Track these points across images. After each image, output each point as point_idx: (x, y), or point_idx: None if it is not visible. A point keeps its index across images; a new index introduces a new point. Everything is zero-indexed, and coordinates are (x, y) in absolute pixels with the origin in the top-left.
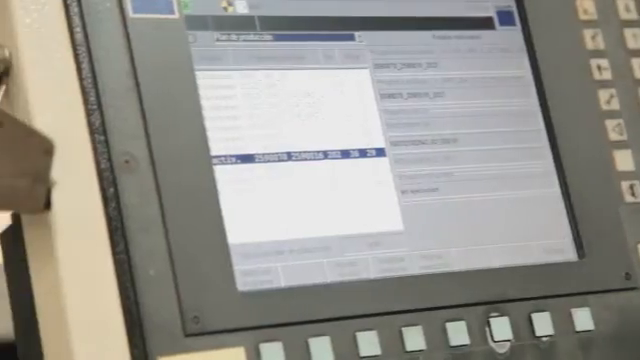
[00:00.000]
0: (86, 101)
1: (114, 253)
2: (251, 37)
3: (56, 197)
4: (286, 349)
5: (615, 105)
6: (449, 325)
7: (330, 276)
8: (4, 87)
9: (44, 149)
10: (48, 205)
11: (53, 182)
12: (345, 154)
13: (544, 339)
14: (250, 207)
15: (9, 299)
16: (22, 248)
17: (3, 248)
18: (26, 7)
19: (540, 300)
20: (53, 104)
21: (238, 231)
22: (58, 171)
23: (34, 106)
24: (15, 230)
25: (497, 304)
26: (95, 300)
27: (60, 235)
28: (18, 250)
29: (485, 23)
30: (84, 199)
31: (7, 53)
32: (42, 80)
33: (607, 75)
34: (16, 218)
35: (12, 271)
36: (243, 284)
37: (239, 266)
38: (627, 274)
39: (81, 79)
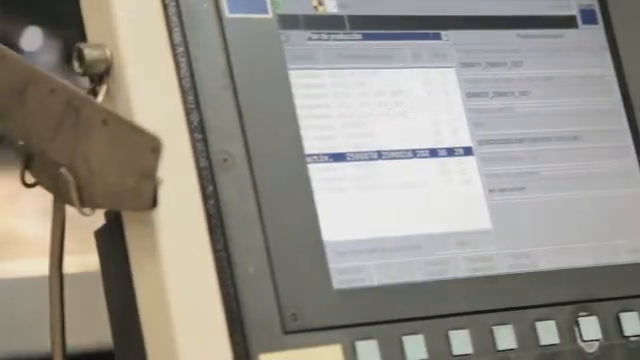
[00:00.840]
0: (185, 100)
1: (214, 250)
2: (341, 36)
3: (159, 194)
4: (381, 347)
5: None
6: (539, 324)
7: (420, 275)
8: (105, 86)
9: (151, 147)
10: (154, 203)
11: (160, 180)
12: (433, 153)
13: (633, 339)
14: (342, 205)
15: (105, 296)
16: (122, 245)
17: (99, 245)
18: (127, 7)
19: (628, 300)
20: (153, 103)
21: (332, 229)
22: (159, 169)
23: (135, 105)
24: (112, 228)
25: (585, 303)
26: (197, 297)
27: (163, 232)
28: (117, 247)
29: (568, 22)
30: (185, 196)
31: (108, 53)
32: (142, 80)
33: None
34: (112, 216)
35: (110, 268)
36: (338, 282)
37: (334, 264)
38: None
39: (180, 78)
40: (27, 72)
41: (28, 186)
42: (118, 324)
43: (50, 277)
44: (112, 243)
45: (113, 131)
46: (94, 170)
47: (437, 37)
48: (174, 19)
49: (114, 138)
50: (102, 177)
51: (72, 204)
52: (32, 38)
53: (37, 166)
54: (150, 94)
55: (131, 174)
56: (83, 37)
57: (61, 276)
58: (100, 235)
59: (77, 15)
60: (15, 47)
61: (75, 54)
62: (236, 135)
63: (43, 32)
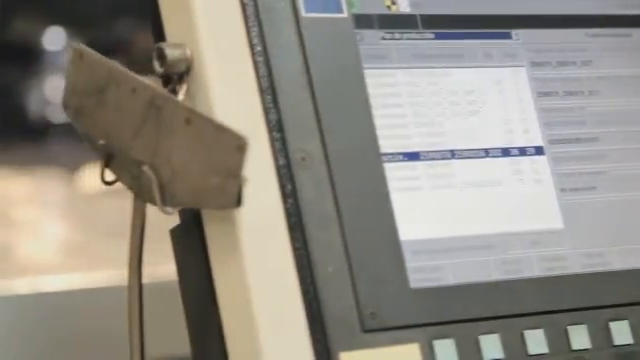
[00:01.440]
0: (263, 99)
1: (294, 249)
2: (413, 35)
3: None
4: (458, 346)
5: None
6: (612, 324)
7: (495, 274)
8: (185, 86)
9: (236, 146)
10: (239, 202)
11: (244, 179)
12: (505, 152)
13: None
14: (417, 204)
15: (182, 294)
16: (200, 244)
17: (175, 244)
18: (206, 7)
19: None
20: (232, 102)
21: (408, 228)
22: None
23: (215, 104)
24: (190, 226)
25: None
26: (278, 295)
27: (244, 230)
28: (195, 246)
29: (636, 21)
30: (264, 195)
31: (188, 52)
32: (222, 79)
33: None
34: (189, 215)
35: (188, 266)
36: (415, 281)
37: (410, 263)
38: None
39: (258, 77)
40: (107, 71)
41: (107, 184)
42: (196, 323)
43: (129, 278)
44: (190, 242)
45: (197, 130)
46: (176, 169)
47: (508, 36)
48: (252, 18)
49: (198, 137)
50: (185, 176)
51: (153, 203)
52: (54, 38)
53: (117, 165)
54: (229, 93)
55: (215, 173)
56: (105, 37)
57: (140, 278)
58: (176, 234)
59: (99, 15)
60: (37, 47)
61: (156, 54)
62: (313, 134)
63: (66, 32)
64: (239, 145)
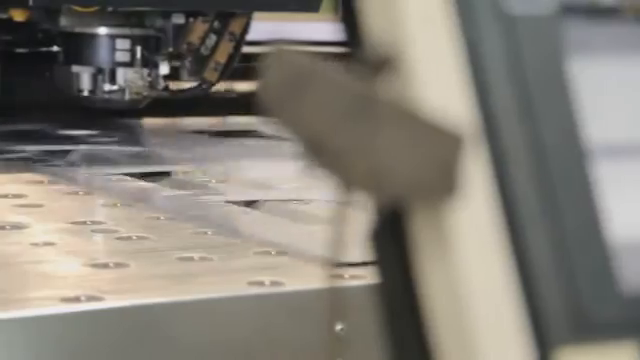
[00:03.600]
0: (471, 94)
1: (507, 246)
2: (620, 26)
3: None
4: None
5: None
6: None
7: None
8: (393, 81)
9: (453, 143)
10: (453, 199)
11: (460, 176)
12: None
13: None
14: (629, 203)
15: (380, 295)
16: (402, 243)
17: (373, 242)
18: (413, 2)
19: None
20: (441, 99)
21: (620, 227)
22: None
23: (426, 99)
24: (390, 225)
25: None
26: (492, 292)
27: (457, 228)
28: (396, 245)
29: None
30: (477, 192)
31: (396, 49)
32: (431, 74)
33: None
34: (388, 212)
35: (388, 266)
36: (629, 280)
37: (623, 263)
38: None
39: (465, 72)
40: (309, 66)
41: (312, 179)
42: (394, 323)
43: (328, 275)
44: (390, 241)
45: (410, 126)
46: (385, 164)
47: None
48: (459, 14)
49: (411, 133)
50: (395, 171)
51: (360, 197)
52: None
53: (319, 158)
54: (438, 89)
55: (429, 169)
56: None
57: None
58: (376, 233)
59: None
60: None
61: (363, 50)
62: (523, 129)
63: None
64: (457, 143)
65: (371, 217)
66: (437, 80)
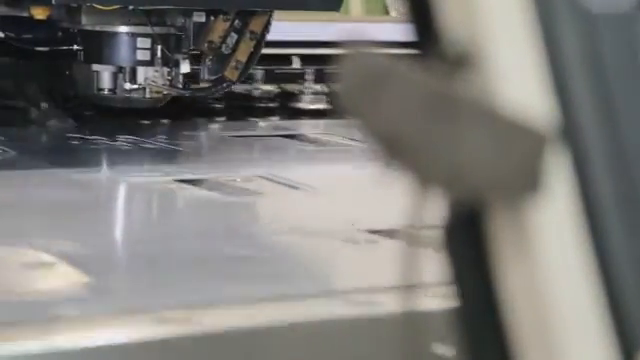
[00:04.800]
0: (550, 93)
1: (589, 246)
2: None
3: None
4: None
5: None
6: None
7: None
8: (471, 79)
9: (536, 142)
10: (535, 198)
11: (542, 175)
12: None
13: None
14: None
15: (456, 294)
16: (479, 241)
17: (448, 241)
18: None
19: None
20: (521, 96)
21: None
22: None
23: (506, 97)
24: (466, 223)
25: None
26: (576, 293)
27: (539, 227)
28: (473, 244)
29: None
30: (558, 192)
31: (474, 45)
32: (511, 72)
33: None
34: (464, 211)
35: (463, 265)
36: None
37: None
38: None
39: (545, 72)
40: (387, 66)
41: (387, 179)
42: (471, 322)
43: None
44: (467, 239)
45: (491, 124)
46: (466, 161)
47: None
48: (538, 11)
49: (492, 131)
50: (475, 168)
51: (435, 195)
52: None
53: (398, 158)
54: (517, 86)
55: (511, 167)
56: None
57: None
58: (451, 231)
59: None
60: None
61: (439, 46)
62: (603, 127)
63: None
64: (539, 140)
65: (447, 215)
66: (516, 77)
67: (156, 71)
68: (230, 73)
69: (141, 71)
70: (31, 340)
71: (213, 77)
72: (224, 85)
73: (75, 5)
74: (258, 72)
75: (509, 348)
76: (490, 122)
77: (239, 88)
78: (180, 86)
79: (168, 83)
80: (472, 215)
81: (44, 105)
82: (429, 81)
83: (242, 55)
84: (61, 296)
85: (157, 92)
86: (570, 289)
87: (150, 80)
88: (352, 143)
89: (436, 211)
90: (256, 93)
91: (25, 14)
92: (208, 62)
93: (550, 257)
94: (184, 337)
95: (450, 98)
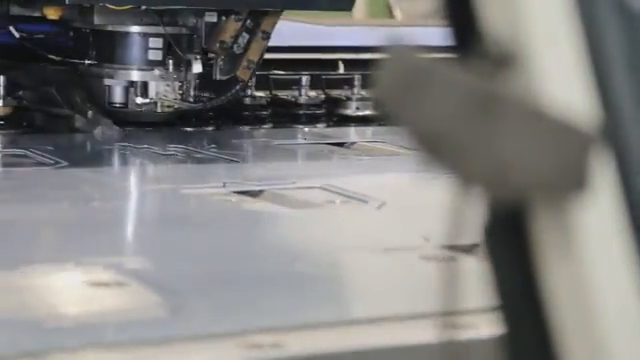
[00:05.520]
0: (594, 94)
1: (634, 244)
2: None
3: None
4: None
5: None
6: None
7: None
8: (514, 78)
9: (583, 143)
10: (581, 199)
11: (587, 176)
12: None
13: None
14: None
15: (496, 293)
16: (521, 241)
17: (488, 241)
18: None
19: None
20: (564, 93)
21: None
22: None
23: (551, 98)
24: (507, 223)
25: None
26: (621, 293)
27: (585, 227)
28: (515, 243)
29: None
30: (603, 193)
31: (516, 44)
32: (555, 72)
33: None
34: (504, 211)
35: (504, 264)
36: None
37: None
38: None
39: (588, 72)
40: (429, 66)
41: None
42: (512, 321)
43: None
44: (508, 236)
45: (536, 123)
46: (510, 161)
47: None
48: (581, 9)
49: (537, 130)
50: (519, 168)
51: (478, 191)
52: None
53: (440, 157)
54: (560, 85)
55: (556, 167)
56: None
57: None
58: (491, 231)
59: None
60: None
61: (481, 46)
62: None
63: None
64: (584, 140)
65: (487, 214)
66: (560, 76)
67: (167, 85)
68: (242, 73)
69: (152, 85)
70: None
71: (225, 77)
72: (234, 91)
73: (87, 5)
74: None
75: (552, 349)
76: (534, 121)
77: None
78: (191, 100)
79: (179, 97)
80: (514, 215)
81: (90, 113)
82: (472, 81)
83: (254, 55)
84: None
85: (168, 106)
86: (615, 289)
87: (161, 94)
88: (402, 151)
89: (478, 212)
90: (302, 100)
91: (38, 14)
92: (220, 62)
93: (595, 257)
94: None
95: (494, 98)
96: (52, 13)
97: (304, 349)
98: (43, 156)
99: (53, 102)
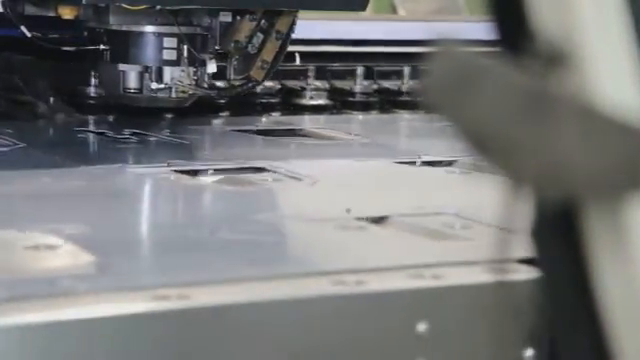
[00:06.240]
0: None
1: None
2: None
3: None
4: None
5: None
6: None
7: None
8: (567, 78)
9: (634, 140)
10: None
11: None
12: None
13: None
14: None
15: (544, 292)
16: (573, 241)
17: (538, 241)
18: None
19: None
20: (617, 92)
21: None
22: None
23: (605, 97)
24: (559, 222)
25: None
26: None
27: (636, 229)
28: (566, 243)
29: None
30: None
31: (570, 44)
32: (605, 67)
33: None
34: (554, 210)
35: (555, 264)
36: None
37: None
38: None
39: (638, 66)
40: (480, 64)
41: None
42: (563, 321)
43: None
44: (559, 235)
45: (589, 122)
46: (562, 159)
47: None
48: (633, 9)
49: (591, 129)
50: (572, 167)
51: (529, 192)
52: None
53: (489, 155)
54: (613, 84)
55: (610, 166)
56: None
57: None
58: (540, 230)
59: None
60: None
61: (533, 45)
62: None
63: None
64: (637, 139)
65: (537, 213)
66: (612, 75)
67: (182, 71)
68: (256, 73)
69: (167, 71)
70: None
71: (239, 77)
72: (250, 85)
73: (103, 5)
74: None
75: (604, 349)
76: (588, 120)
77: None
78: (206, 86)
79: (194, 83)
80: (564, 215)
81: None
82: (523, 79)
83: (268, 55)
84: None
85: (183, 92)
86: None
87: (177, 80)
88: (346, 137)
89: (527, 210)
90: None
91: (52, 14)
92: (234, 62)
93: None
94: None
95: (546, 96)
96: (67, 13)
97: (209, 301)
98: (3, 139)
99: (17, 90)
